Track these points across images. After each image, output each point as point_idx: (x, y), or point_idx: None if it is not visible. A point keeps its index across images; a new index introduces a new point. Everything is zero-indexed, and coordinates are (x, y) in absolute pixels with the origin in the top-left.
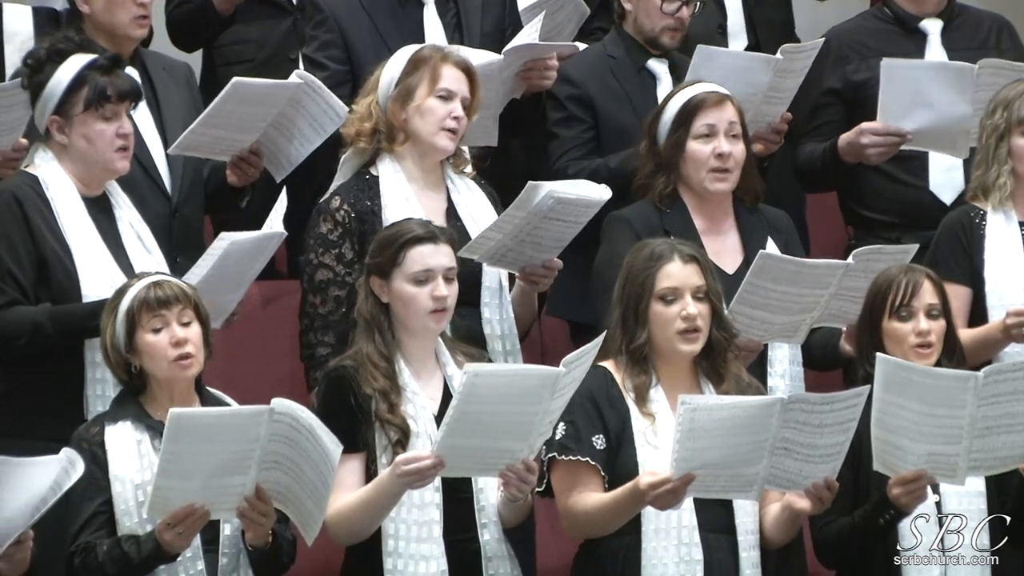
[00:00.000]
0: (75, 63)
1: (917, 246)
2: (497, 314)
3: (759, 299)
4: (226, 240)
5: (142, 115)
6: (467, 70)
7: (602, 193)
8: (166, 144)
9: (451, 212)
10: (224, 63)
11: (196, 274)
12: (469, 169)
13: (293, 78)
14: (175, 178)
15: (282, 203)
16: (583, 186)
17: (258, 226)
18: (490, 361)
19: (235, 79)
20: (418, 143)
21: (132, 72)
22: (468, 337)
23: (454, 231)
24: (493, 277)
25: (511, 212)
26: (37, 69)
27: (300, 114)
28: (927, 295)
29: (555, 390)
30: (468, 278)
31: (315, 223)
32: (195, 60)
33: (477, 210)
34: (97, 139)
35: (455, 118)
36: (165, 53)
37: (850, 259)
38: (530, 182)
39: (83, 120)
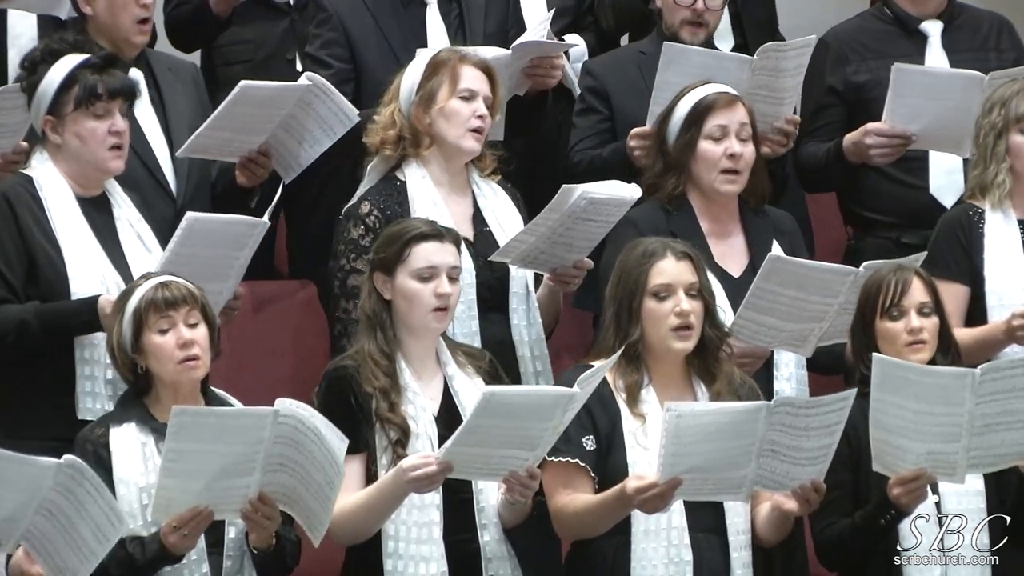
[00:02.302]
0: (67, 63)
1: (925, 254)
2: (525, 319)
3: (767, 303)
4: (190, 219)
5: (147, 116)
6: (486, 69)
7: (632, 192)
8: (171, 145)
9: (477, 217)
10: (223, 63)
11: (163, 255)
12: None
13: (302, 80)
14: (180, 180)
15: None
16: (614, 186)
17: None
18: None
19: (243, 83)
20: (444, 146)
21: (136, 73)
22: (497, 344)
23: (459, 233)
24: (520, 282)
25: (545, 215)
26: (31, 70)
27: (309, 116)
28: (917, 293)
29: (568, 408)
30: (495, 284)
31: (345, 229)
32: (194, 60)
33: (503, 214)
34: (89, 138)
35: (479, 117)
36: (169, 54)
37: (861, 268)
38: (564, 185)
39: (75, 119)
